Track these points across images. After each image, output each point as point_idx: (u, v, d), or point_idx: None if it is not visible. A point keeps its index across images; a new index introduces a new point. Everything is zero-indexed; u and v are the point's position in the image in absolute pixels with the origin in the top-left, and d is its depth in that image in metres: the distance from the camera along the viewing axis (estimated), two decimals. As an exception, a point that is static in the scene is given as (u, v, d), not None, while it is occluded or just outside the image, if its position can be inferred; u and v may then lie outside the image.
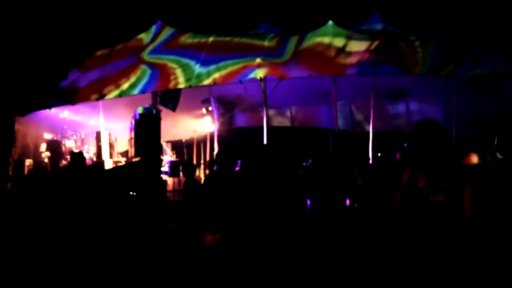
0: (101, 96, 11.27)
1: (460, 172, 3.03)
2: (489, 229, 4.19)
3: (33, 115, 11.99)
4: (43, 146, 12.20)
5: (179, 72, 10.99)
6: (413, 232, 3.03)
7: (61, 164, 11.93)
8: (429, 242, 2.95)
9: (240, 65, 10.42)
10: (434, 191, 2.97)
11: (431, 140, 3.03)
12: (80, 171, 7.39)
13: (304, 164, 9.60)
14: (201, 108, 13.34)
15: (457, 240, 2.93)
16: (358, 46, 10.37)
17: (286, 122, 15.67)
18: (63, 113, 13.02)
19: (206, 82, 10.60)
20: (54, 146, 12.18)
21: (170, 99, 11.73)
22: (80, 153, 8.19)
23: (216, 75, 10.50)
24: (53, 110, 12.28)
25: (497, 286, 4.16)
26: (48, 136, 12.90)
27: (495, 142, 11.31)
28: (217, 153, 5.68)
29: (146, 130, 10.23)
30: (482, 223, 3.17)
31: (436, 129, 3.08)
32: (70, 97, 11.67)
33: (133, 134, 10.78)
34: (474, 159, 5.20)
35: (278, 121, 15.56)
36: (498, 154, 8.04)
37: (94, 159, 12.37)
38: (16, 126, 11.45)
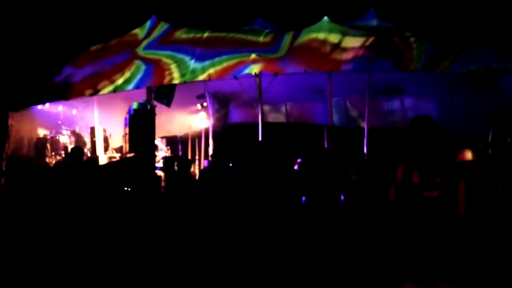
0: (96, 92, 11.22)
1: (455, 168, 3.03)
2: (483, 225, 4.20)
3: (27, 110, 11.94)
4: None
5: (174, 67, 10.96)
6: (408, 227, 3.03)
7: (47, 161, 11.95)
8: (423, 238, 2.96)
9: (235, 61, 10.40)
10: (428, 187, 2.98)
11: (425, 136, 3.04)
12: (77, 166, 7.38)
13: (299, 160, 9.60)
14: (196, 104, 13.30)
15: (451, 235, 2.93)
16: (353, 42, 10.36)
17: (281, 118, 15.66)
18: (57, 109, 12.97)
19: (201, 77, 10.58)
20: (41, 143, 12.20)
21: (165, 94, 11.70)
22: (79, 147, 8.18)
23: (211, 71, 10.47)
24: (47, 106, 12.22)
25: (491, 282, 4.18)
26: (42, 131, 12.86)
27: (489, 139, 11.34)
28: (214, 149, 5.69)
29: (141, 125, 10.20)
30: (476, 219, 3.18)
31: (431, 125, 3.09)
32: (64, 93, 11.62)
33: (127, 130, 10.75)
34: (468, 155, 5.22)
35: (273, 117, 15.54)
36: (490, 151, 8.07)
37: (89, 154, 12.33)
38: (10, 122, 11.39)
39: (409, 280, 2.98)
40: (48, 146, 12.35)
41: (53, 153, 12.35)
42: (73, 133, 12.62)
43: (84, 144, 12.65)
